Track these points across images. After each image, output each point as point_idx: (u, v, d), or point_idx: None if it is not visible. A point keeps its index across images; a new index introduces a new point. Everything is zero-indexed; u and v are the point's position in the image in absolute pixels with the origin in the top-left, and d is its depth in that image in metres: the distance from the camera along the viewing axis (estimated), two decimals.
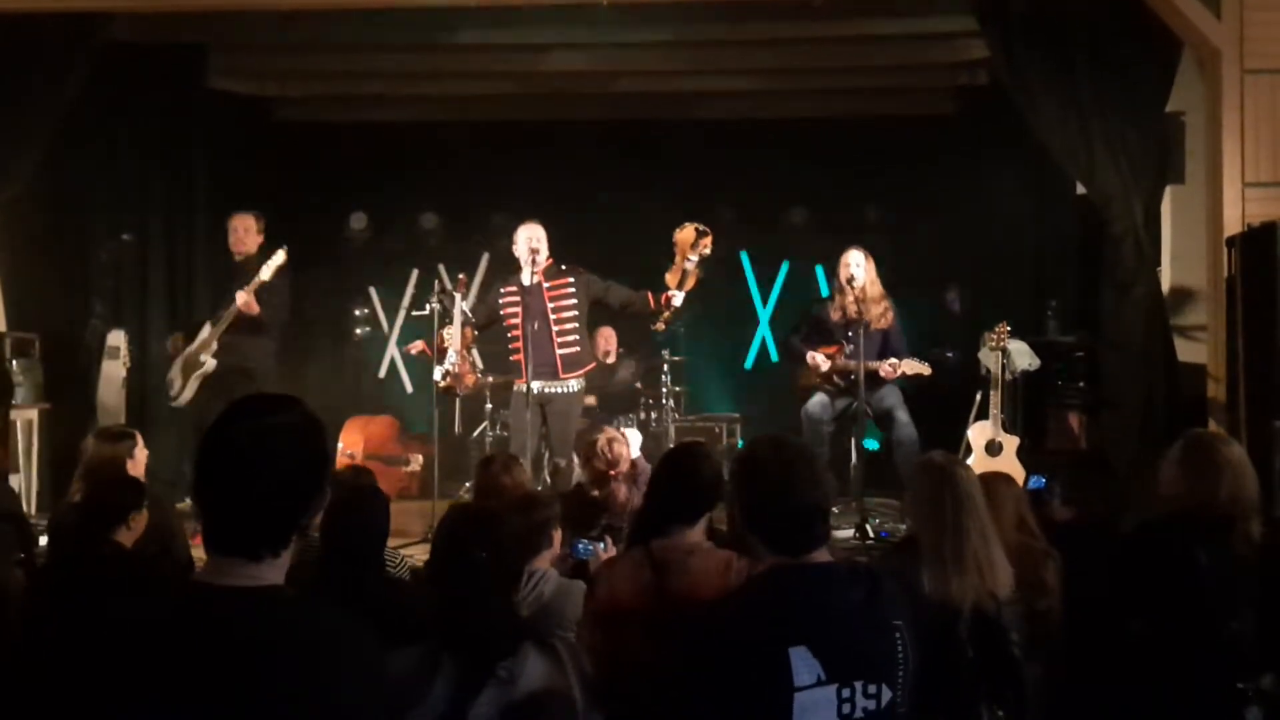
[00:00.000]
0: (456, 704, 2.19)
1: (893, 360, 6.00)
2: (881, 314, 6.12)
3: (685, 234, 5.77)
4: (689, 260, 5.72)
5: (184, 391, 6.11)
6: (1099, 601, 3.08)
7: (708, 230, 5.77)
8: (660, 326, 5.99)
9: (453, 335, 5.88)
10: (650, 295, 5.84)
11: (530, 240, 5.78)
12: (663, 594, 2.62)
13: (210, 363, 6.04)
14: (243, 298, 5.95)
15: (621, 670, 2.48)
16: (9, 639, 2.53)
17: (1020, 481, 5.40)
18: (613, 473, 4.44)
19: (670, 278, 5.78)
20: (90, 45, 6.22)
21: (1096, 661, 2.98)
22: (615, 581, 2.78)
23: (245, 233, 6.29)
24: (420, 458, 7.47)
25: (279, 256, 6.01)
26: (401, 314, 9.07)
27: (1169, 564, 2.95)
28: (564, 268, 5.89)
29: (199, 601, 1.65)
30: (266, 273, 5.99)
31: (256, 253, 6.24)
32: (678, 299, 5.75)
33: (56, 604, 2.76)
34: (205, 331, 6.14)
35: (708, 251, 5.76)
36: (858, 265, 6.11)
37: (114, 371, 7.22)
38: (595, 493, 4.44)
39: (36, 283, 7.08)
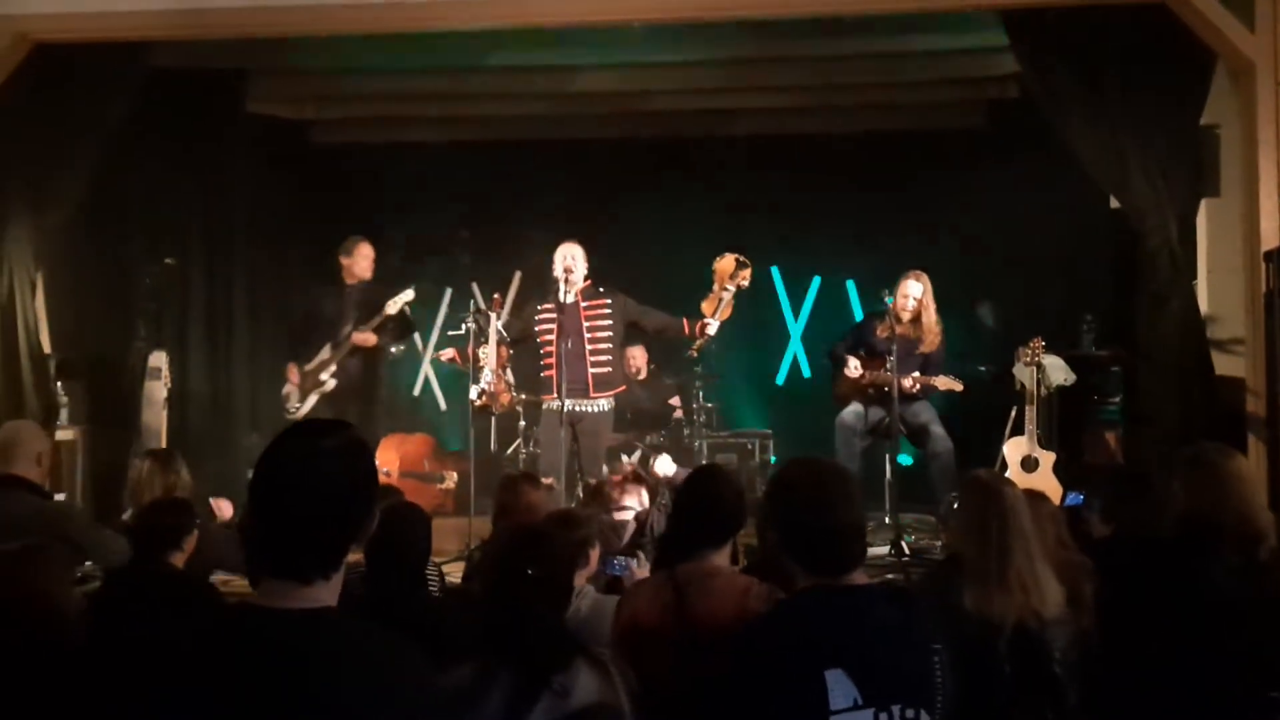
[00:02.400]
0: (511, 717, 2.23)
1: (915, 374, 6.01)
2: (932, 340, 6.16)
3: (725, 263, 5.82)
4: (726, 289, 5.77)
5: (303, 406, 6.57)
6: (1131, 618, 3.07)
7: (748, 262, 5.82)
8: (693, 353, 6.03)
9: (488, 354, 5.94)
10: (685, 322, 5.88)
11: (565, 259, 5.85)
12: (682, 616, 2.65)
13: (330, 382, 6.54)
14: (360, 336, 6.40)
15: (646, 690, 2.51)
16: (68, 660, 2.58)
17: (1057, 497, 5.41)
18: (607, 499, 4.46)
19: (706, 305, 5.82)
20: (133, 72, 6.36)
21: (1130, 677, 2.97)
22: (638, 603, 2.80)
23: (368, 260, 6.73)
24: (455, 475, 7.52)
25: (408, 294, 6.26)
26: (436, 332, 9.15)
27: (1173, 578, 2.94)
28: (601, 289, 5.96)
29: (252, 624, 1.69)
30: (393, 308, 6.27)
31: (370, 279, 6.72)
32: (713, 327, 5.79)
33: (113, 626, 2.82)
34: (325, 353, 6.59)
35: (745, 283, 5.81)
36: (914, 293, 6.12)
37: (155, 393, 7.32)
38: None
39: (81, 305, 7.21)
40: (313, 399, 6.59)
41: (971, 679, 2.24)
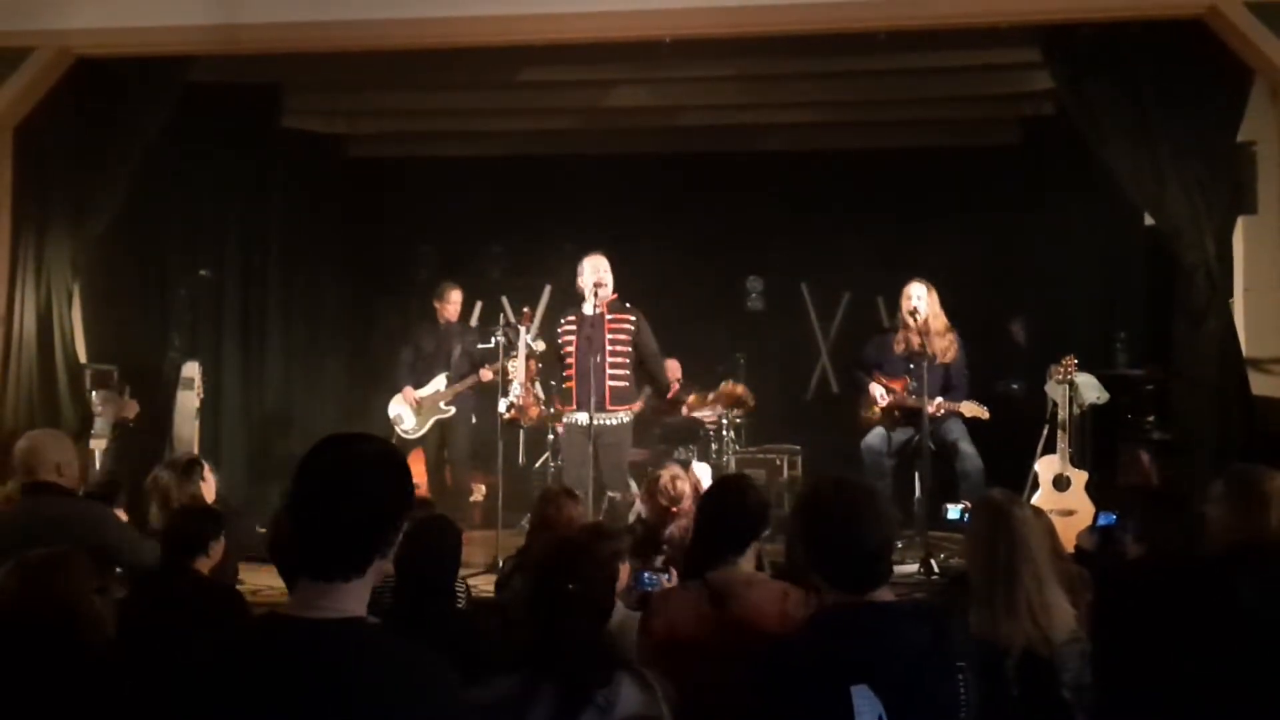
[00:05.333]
0: None
1: (939, 400, 5.96)
2: (946, 347, 6.10)
3: (735, 391, 6.33)
4: (722, 412, 6.10)
5: (420, 428, 7.33)
6: (1157, 640, 3.02)
7: (752, 405, 6.27)
8: (658, 403, 6.41)
9: (517, 367, 5.97)
10: (673, 388, 6.35)
11: (596, 271, 5.86)
12: (722, 624, 2.64)
13: (451, 410, 7.32)
14: (488, 375, 6.93)
15: (683, 700, 2.51)
16: (91, 668, 2.60)
17: (1090, 517, 5.34)
18: (674, 509, 4.49)
19: (695, 399, 6.36)
20: (171, 86, 6.44)
21: (1155, 701, 2.92)
22: (673, 613, 2.79)
23: (456, 305, 7.47)
24: (483, 488, 7.55)
25: (540, 344, 6.45)
26: None
27: (1213, 600, 2.88)
28: (628, 305, 5.96)
29: (280, 633, 1.71)
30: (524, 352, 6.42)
31: (456, 321, 7.49)
32: (683, 410, 6.24)
33: (139, 634, 2.84)
34: (441, 383, 7.33)
35: (739, 419, 6.34)
36: (919, 298, 6.10)
37: (188, 403, 7.40)
38: (658, 528, 4.49)
39: (117, 316, 7.30)
40: (430, 422, 7.32)
41: (977, 702, 2.22)
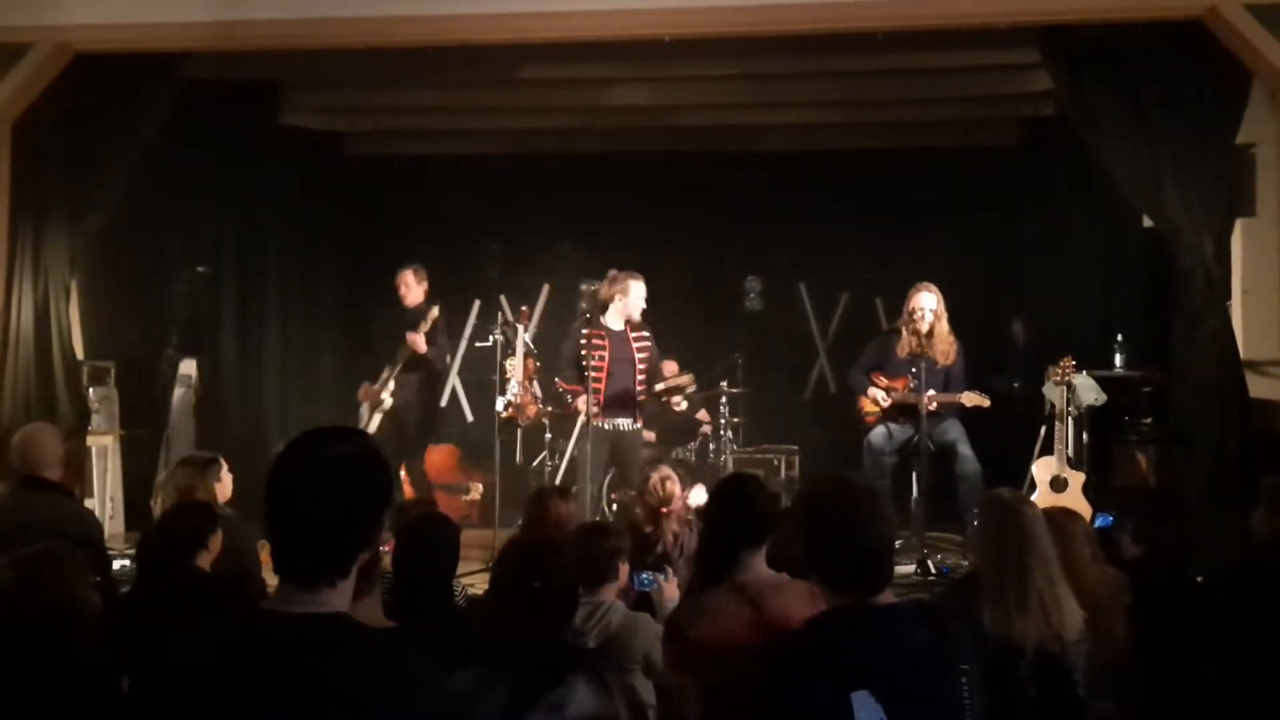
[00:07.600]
0: None
1: (931, 392, 5.97)
2: (947, 350, 6.11)
3: (683, 380, 6.43)
4: (676, 398, 6.38)
5: (370, 424, 6.89)
6: (1172, 642, 3.02)
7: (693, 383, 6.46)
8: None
9: (515, 366, 5.98)
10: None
11: (642, 297, 6.08)
12: (762, 626, 2.58)
13: (388, 400, 6.88)
14: (413, 337, 6.67)
15: (732, 707, 2.46)
16: (85, 662, 2.60)
17: (1086, 518, 5.34)
18: (665, 510, 4.52)
19: (670, 381, 6.43)
20: (169, 83, 6.43)
21: (1171, 702, 2.92)
22: (715, 620, 2.67)
23: (408, 287, 7.04)
24: (480, 486, 7.54)
25: (435, 310, 6.56)
26: (463, 344, 9.17)
27: (1250, 604, 2.89)
28: (642, 322, 6.19)
29: (263, 628, 1.70)
30: (431, 316, 6.54)
31: (423, 301, 7.01)
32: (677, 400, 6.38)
33: (136, 628, 2.84)
34: (385, 372, 6.94)
35: (692, 388, 6.49)
36: (928, 304, 6.09)
37: (185, 400, 7.40)
38: (648, 529, 4.53)
39: (114, 312, 7.29)
40: (377, 418, 6.94)
41: (995, 701, 2.21)
